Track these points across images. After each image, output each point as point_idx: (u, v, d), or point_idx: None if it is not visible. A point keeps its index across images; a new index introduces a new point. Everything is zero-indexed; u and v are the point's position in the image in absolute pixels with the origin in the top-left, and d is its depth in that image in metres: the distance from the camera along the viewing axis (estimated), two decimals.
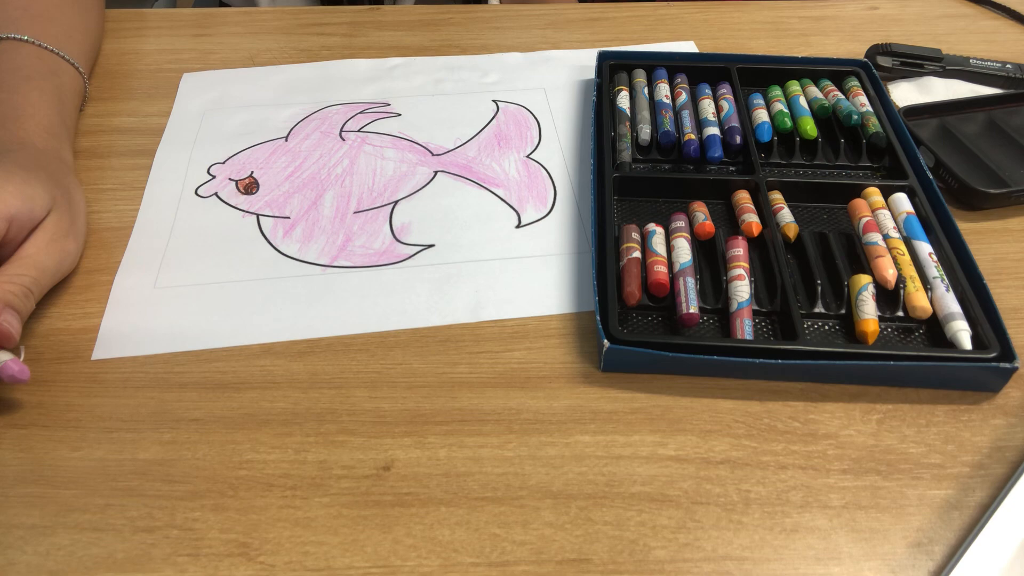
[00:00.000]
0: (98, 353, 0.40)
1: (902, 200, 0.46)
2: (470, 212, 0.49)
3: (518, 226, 0.48)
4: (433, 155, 0.53)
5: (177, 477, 0.35)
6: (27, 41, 0.51)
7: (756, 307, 0.41)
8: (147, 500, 0.34)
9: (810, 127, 0.51)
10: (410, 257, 0.46)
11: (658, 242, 0.44)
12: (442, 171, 0.52)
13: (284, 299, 0.43)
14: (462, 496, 0.34)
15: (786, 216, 0.45)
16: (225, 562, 0.32)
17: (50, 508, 0.34)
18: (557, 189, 0.50)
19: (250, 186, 0.50)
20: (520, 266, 0.45)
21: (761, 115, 0.53)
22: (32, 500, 0.34)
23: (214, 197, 0.49)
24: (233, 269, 0.45)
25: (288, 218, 0.48)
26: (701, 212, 0.46)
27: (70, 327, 0.41)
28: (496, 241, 0.47)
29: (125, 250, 0.46)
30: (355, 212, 0.48)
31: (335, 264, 0.45)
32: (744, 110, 0.53)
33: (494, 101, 0.58)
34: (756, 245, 0.45)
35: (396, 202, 0.49)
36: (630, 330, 0.41)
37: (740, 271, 0.42)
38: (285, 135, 0.54)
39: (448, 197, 0.50)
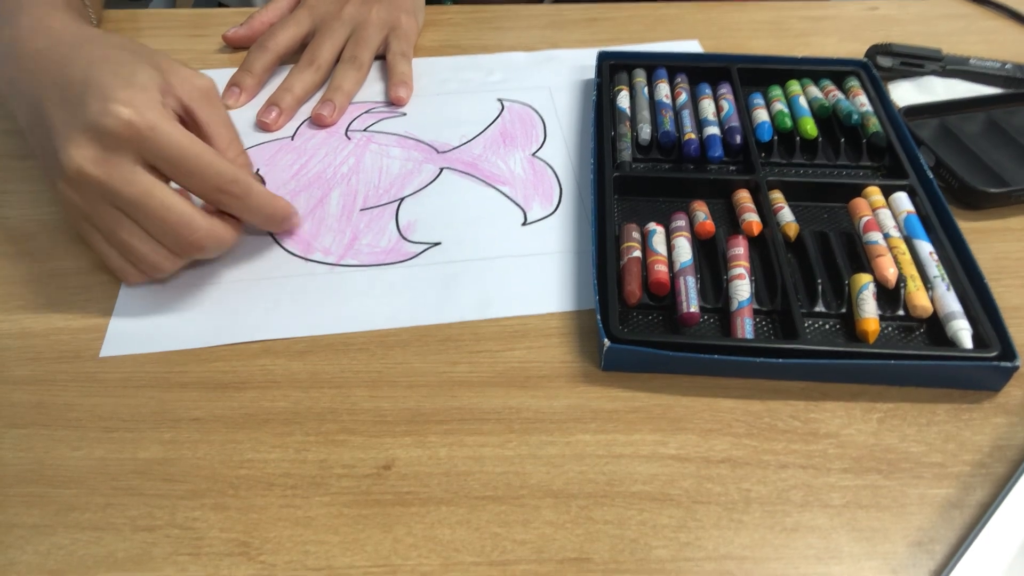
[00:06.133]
0: (106, 351, 0.40)
1: (902, 199, 0.46)
2: (476, 209, 0.49)
3: (524, 223, 0.48)
4: (438, 152, 0.53)
5: (177, 476, 0.35)
6: None
7: (757, 306, 0.41)
8: (147, 499, 0.34)
9: (810, 127, 0.51)
10: (417, 255, 0.46)
11: (658, 241, 0.44)
12: (448, 168, 0.52)
13: (292, 298, 0.43)
14: (463, 495, 0.34)
15: (786, 215, 0.45)
16: (226, 561, 0.32)
17: (50, 508, 0.34)
18: (563, 187, 0.50)
19: None
20: (526, 264, 0.45)
21: (761, 115, 0.53)
22: (32, 500, 0.34)
23: None
24: (241, 267, 0.45)
25: None
26: (701, 211, 0.46)
27: (70, 326, 0.41)
28: (502, 238, 0.47)
29: None
30: (361, 210, 0.49)
31: (342, 263, 0.45)
32: (744, 110, 0.53)
33: (499, 100, 0.58)
34: (756, 244, 0.45)
35: (402, 199, 0.49)
36: (631, 329, 0.41)
37: (740, 270, 0.42)
38: (291, 134, 0.54)
39: (454, 194, 0.50)
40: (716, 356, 0.38)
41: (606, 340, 0.38)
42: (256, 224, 0.44)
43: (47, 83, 0.40)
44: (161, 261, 0.40)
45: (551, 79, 0.60)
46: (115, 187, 0.37)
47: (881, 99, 0.54)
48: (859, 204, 0.46)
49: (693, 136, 0.51)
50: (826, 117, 0.53)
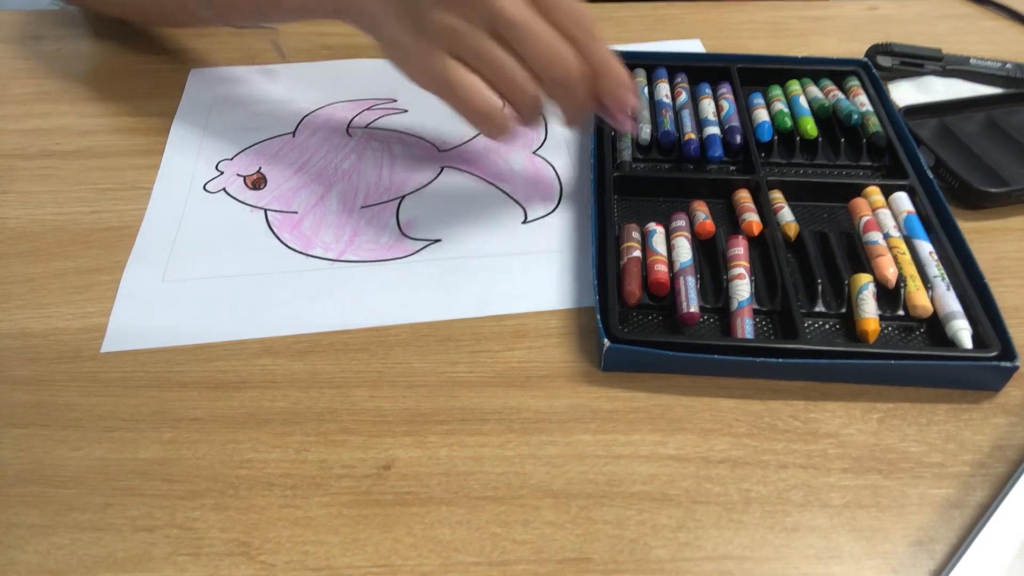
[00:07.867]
0: (107, 346, 0.40)
1: (902, 199, 0.46)
2: (476, 207, 0.49)
3: (524, 222, 0.48)
4: (439, 151, 0.53)
5: (177, 476, 0.35)
6: None
7: (756, 306, 0.41)
8: (147, 499, 0.34)
9: (810, 127, 0.51)
10: (416, 252, 0.46)
11: (658, 241, 0.44)
12: (448, 166, 0.52)
13: (292, 293, 0.43)
14: (463, 495, 0.34)
15: (786, 215, 0.45)
16: (225, 561, 0.32)
17: (50, 508, 0.34)
18: (563, 185, 0.50)
19: (258, 181, 0.50)
20: (526, 262, 0.45)
21: (761, 114, 0.53)
22: (32, 500, 0.34)
23: (222, 192, 0.50)
24: (241, 264, 0.45)
25: (296, 213, 0.48)
26: (701, 211, 0.46)
27: (70, 327, 0.41)
28: (502, 236, 0.47)
29: (133, 245, 0.46)
30: (362, 207, 0.49)
31: (342, 259, 0.45)
32: (744, 110, 0.53)
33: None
34: (756, 244, 0.45)
35: (403, 197, 0.49)
36: (630, 329, 0.41)
37: (740, 270, 0.42)
38: (292, 131, 0.55)
39: (455, 192, 0.50)
40: (716, 356, 0.38)
41: (606, 340, 0.38)
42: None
43: None
44: (534, 93, 0.41)
45: None
46: (499, 4, 0.38)
47: (881, 99, 0.54)
48: (859, 204, 0.46)
49: (693, 136, 0.51)
50: (826, 117, 0.53)
